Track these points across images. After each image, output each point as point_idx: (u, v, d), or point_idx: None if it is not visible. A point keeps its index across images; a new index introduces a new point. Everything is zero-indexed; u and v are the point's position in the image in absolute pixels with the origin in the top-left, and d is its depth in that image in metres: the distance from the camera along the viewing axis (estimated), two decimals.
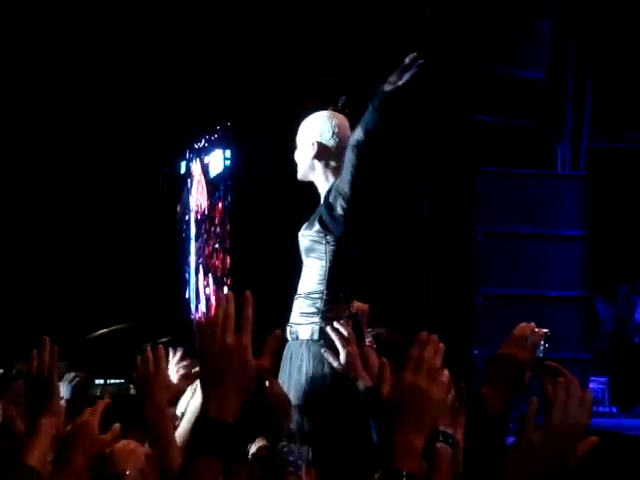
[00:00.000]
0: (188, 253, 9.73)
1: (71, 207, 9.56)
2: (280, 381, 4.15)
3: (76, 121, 9.40)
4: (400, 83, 4.30)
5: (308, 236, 4.45)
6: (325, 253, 4.38)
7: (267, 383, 3.28)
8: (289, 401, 3.27)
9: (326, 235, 4.38)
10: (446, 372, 1.98)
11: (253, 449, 3.35)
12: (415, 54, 4.26)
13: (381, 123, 4.32)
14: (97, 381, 8.24)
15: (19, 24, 9.07)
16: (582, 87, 8.14)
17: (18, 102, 9.21)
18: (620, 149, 8.57)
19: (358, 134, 4.34)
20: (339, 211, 4.35)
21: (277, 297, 4.88)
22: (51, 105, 9.29)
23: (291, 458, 3.03)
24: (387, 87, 4.32)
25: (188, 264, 9.70)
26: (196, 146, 9.42)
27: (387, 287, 7.25)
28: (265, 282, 7.54)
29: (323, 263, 4.37)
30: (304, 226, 4.53)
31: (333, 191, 4.43)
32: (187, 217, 9.79)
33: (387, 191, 7.47)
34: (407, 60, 4.27)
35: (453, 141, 7.70)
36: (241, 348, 1.97)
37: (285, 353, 4.32)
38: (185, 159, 9.76)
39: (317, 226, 4.41)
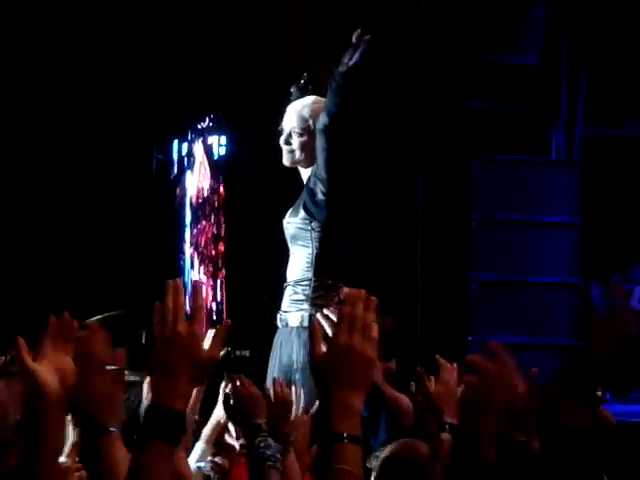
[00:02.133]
0: (183, 240, 9.69)
1: (65, 194, 9.55)
2: (270, 367, 4.17)
3: (67, 107, 9.38)
4: (351, 63, 4.33)
5: (293, 224, 4.46)
6: (311, 240, 4.40)
7: (238, 383, 3.32)
8: (262, 397, 3.30)
9: (311, 222, 4.40)
10: (376, 327, 2.00)
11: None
12: (359, 30, 4.28)
13: (341, 104, 4.37)
14: None
15: (10, 13, 9.06)
16: (576, 74, 8.13)
17: (8, 85, 9.20)
18: (615, 136, 8.57)
19: (323, 118, 4.39)
20: (320, 196, 4.38)
21: (272, 285, 4.89)
22: (42, 92, 9.27)
23: (269, 452, 3.08)
24: (340, 68, 4.37)
25: (183, 252, 9.66)
26: (199, 126, 9.21)
27: (380, 273, 7.26)
28: (259, 270, 7.55)
29: (310, 250, 4.39)
30: (288, 213, 4.54)
31: (312, 177, 4.45)
32: (184, 201, 9.71)
33: (380, 177, 7.47)
34: (354, 39, 4.30)
35: (447, 128, 7.69)
36: (192, 337, 2.01)
37: (275, 340, 4.34)
38: (187, 140, 9.55)
39: (302, 213, 4.42)
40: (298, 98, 4.86)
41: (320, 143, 4.46)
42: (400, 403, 4.95)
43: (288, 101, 4.93)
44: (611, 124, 8.44)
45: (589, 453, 1.96)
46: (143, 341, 5.12)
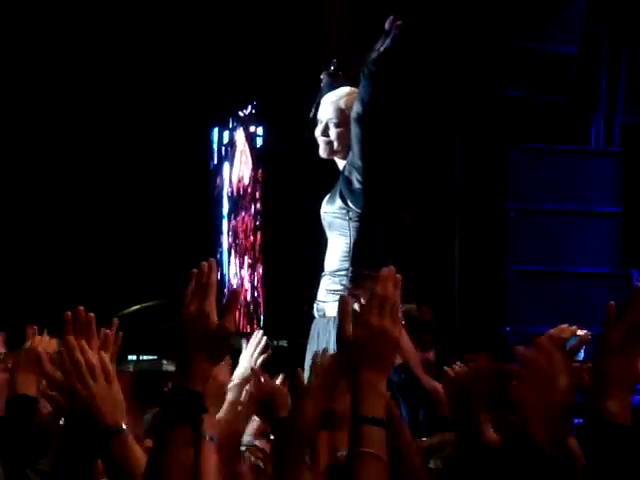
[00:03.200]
0: (221, 232, 9.68)
1: (104, 184, 9.58)
2: (307, 359, 4.14)
3: (104, 97, 9.41)
4: (382, 48, 4.31)
5: (331, 213, 4.44)
6: (349, 229, 4.38)
7: (261, 379, 3.29)
8: (284, 392, 3.27)
9: (348, 211, 4.38)
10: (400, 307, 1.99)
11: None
12: (392, 17, 4.26)
13: (375, 91, 4.35)
14: (130, 357, 8.27)
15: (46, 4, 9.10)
16: (617, 60, 8.04)
17: (45, 75, 9.24)
18: None
19: (357, 107, 4.37)
20: (356, 185, 4.37)
21: (311, 275, 4.88)
22: (76, 82, 9.30)
23: None
24: (372, 55, 4.35)
25: (220, 244, 9.64)
26: (241, 114, 9.11)
27: (418, 264, 7.23)
28: (297, 260, 7.53)
29: (347, 240, 4.37)
30: (325, 201, 4.53)
31: (347, 166, 4.44)
32: (222, 192, 9.67)
33: (418, 166, 7.44)
34: (387, 25, 4.28)
35: (484, 117, 7.64)
36: (202, 315, 2.03)
37: (312, 331, 4.32)
38: (228, 128, 9.45)
39: (339, 202, 4.40)
40: (329, 85, 4.86)
41: (355, 132, 4.45)
42: (439, 394, 4.91)
43: (320, 89, 4.92)
44: None
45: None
46: None
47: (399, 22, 4.32)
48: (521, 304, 7.48)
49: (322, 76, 4.92)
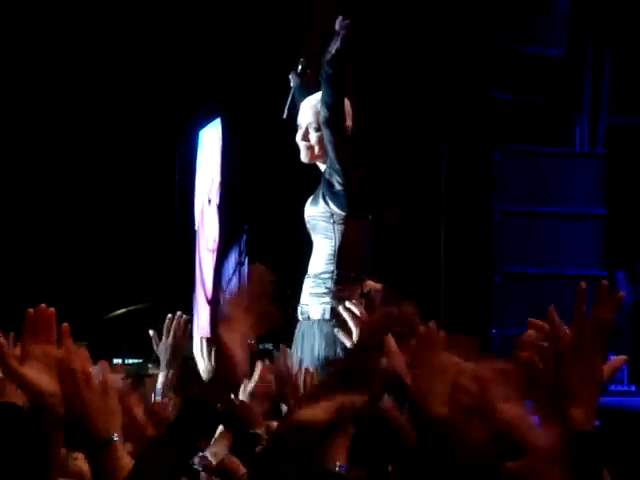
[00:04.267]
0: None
1: (87, 188, 9.55)
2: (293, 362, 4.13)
3: (87, 104, 9.38)
4: (334, 50, 4.32)
5: (314, 216, 4.44)
6: (333, 232, 4.38)
7: (233, 399, 3.25)
8: (257, 407, 3.23)
9: (332, 214, 4.38)
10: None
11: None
12: (341, 17, 4.28)
13: (336, 92, 4.36)
14: (115, 361, 8.23)
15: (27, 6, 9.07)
16: (601, 64, 8.06)
17: (26, 83, 9.21)
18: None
19: (323, 111, 4.39)
20: (337, 187, 4.37)
21: (294, 278, 4.87)
22: (60, 89, 9.27)
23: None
24: (327, 57, 4.36)
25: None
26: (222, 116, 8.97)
27: (404, 266, 7.22)
28: (281, 262, 7.51)
29: (332, 242, 4.37)
30: (308, 203, 4.52)
31: (327, 169, 4.44)
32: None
33: (403, 167, 7.44)
34: (336, 26, 4.30)
35: (470, 119, 7.65)
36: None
37: (296, 333, 4.31)
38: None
39: (322, 205, 4.40)
40: (299, 85, 4.87)
41: (326, 135, 4.47)
42: None
43: (289, 88, 4.93)
44: (635, 113, 8.36)
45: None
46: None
47: (347, 22, 4.33)
48: (507, 306, 7.48)
49: (290, 76, 4.93)
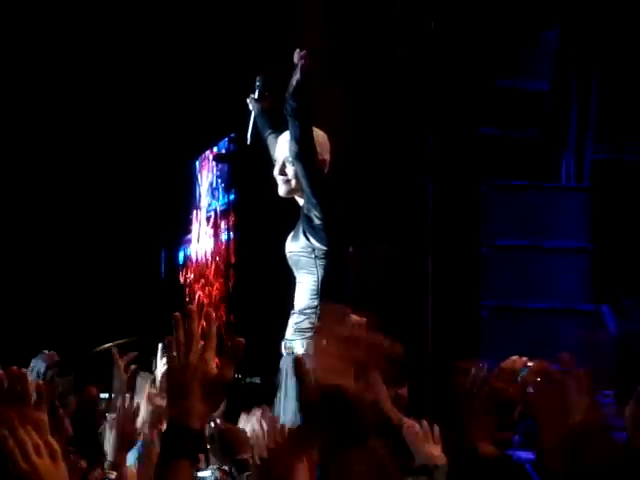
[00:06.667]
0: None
1: (76, 221, 9.55)
2: (278, 396, 4.12)
3: (86, 131, 9.40)
4: (294, 82, 4.33)
5: (296, 252, 4.44)
6: (315, 267, 4.37)
7: (218, 421, 3.27)
8: (243, 432, 3.24)
9: (313, 249, 4.38)
10: None
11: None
12: (298, 49, 4.29)
13: (302, 125, 4.35)
14: (102, 395, 8.19)
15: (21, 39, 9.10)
16: (586, 98, 8.11)
17: (26, 111, 9.23)
18: (625, 161, 8.53)
19: (292, 146, 4.39)
20: (316, 221, 4.37)
21: (282, 312, 4.87)
22: (68, 107, 9.30)
23: None
24: (289, 90, 4.36)
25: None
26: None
27: (391, 299, 7.22)
28: (265, 298, 7.52)
29: (315, 277, 4.36)
30: (289, 240, 4.52)
31: (305, 204, 4.44)
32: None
33: (389, 200, 7.46)
34: (295, 58, 4.30)
35: (457, 153, 7.68)
36: (203, 364, 2.14)
37: (281, 367, 4.29)
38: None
39: (303, 240, 4.40)
40: (259, 109, 4.84)
41: (299, 170, 4.47)
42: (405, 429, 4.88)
43: (249, 112, 4.89)
44: (620, 149, 8.41)
45: None
46: (153, 368, 5.11)
47: (303, 52, 4.34)
48: (495, 339, 7.48)
49: (248, 101, 4.89)
